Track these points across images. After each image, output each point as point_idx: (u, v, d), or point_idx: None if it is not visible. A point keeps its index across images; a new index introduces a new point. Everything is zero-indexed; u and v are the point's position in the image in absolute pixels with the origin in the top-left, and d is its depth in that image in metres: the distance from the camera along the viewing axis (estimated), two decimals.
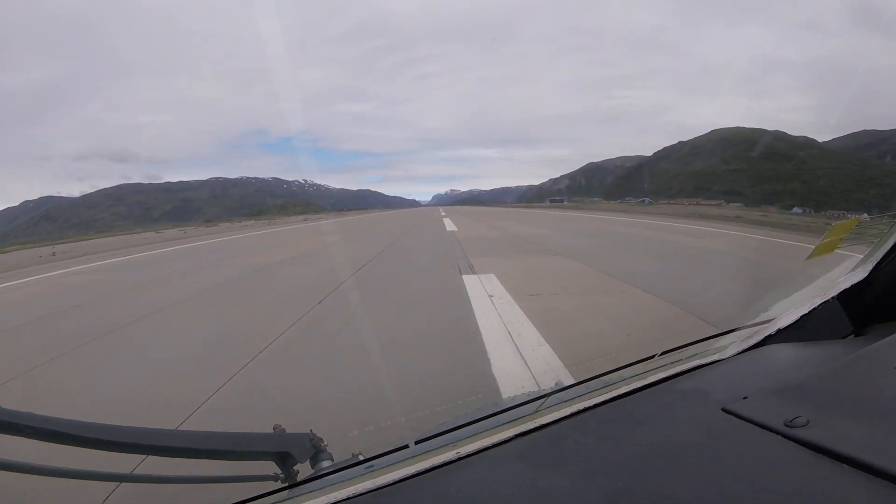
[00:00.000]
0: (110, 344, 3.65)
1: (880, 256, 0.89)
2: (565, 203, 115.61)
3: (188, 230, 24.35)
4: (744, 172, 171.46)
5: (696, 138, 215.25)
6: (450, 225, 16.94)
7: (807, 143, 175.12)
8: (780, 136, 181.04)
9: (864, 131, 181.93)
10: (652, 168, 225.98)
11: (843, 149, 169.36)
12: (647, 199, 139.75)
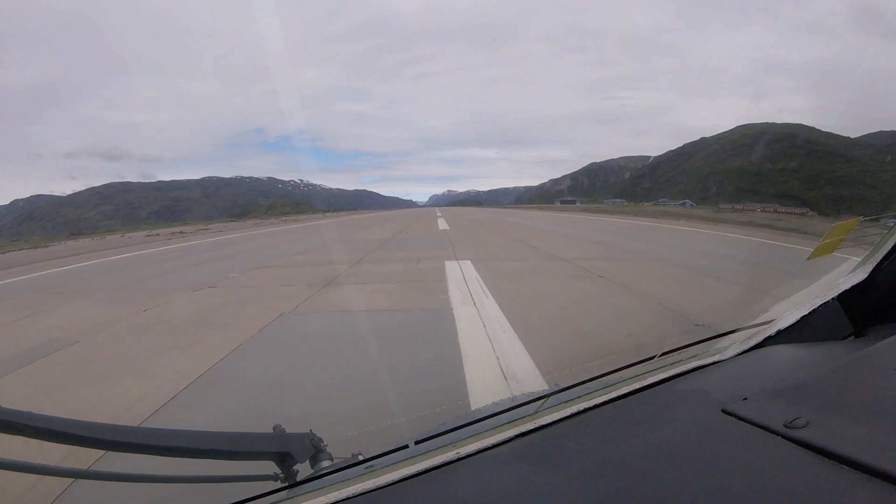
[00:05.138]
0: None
1: (880, 258, 0.89)
2: (578, 204, 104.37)
3: None
4: (795, 173, 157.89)
5: (722, 133, 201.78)
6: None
7: (858, 143, 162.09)
8: (827, 134, 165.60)
9: (882, 132, 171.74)
10: (673, 166, 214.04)
11: (870, 149, 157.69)
12: (688, 202, 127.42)
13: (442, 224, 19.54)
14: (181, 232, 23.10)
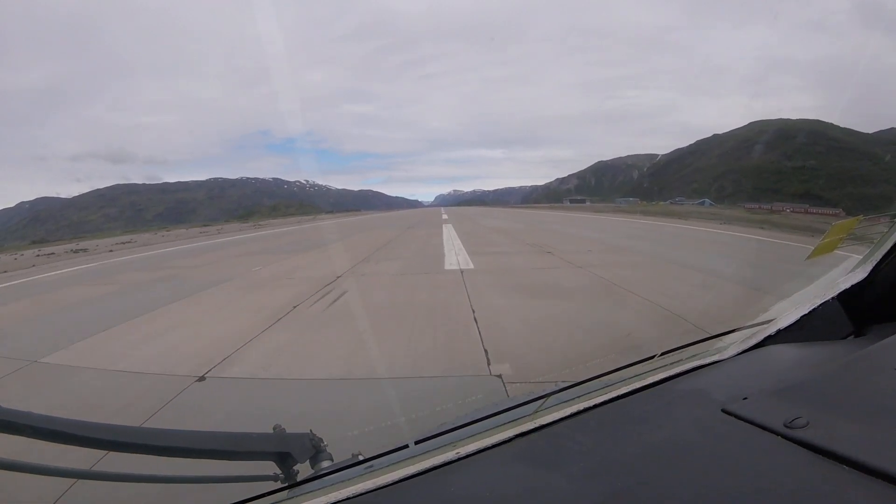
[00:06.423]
0: None
1: (880, 257, 0.89)
2: (588, 203, 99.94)
3: None
4: (816, 171, 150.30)
5: (735, 130, 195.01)
6: None
7: (877, 139, 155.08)
8: (845, 130, 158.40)
9: (893, 129, 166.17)
10: (685, 164, 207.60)
11: (891, 146, 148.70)
12: (706, 201, 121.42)
13: (450, 241, 10.67)
14: (85, 249, 16.86)
